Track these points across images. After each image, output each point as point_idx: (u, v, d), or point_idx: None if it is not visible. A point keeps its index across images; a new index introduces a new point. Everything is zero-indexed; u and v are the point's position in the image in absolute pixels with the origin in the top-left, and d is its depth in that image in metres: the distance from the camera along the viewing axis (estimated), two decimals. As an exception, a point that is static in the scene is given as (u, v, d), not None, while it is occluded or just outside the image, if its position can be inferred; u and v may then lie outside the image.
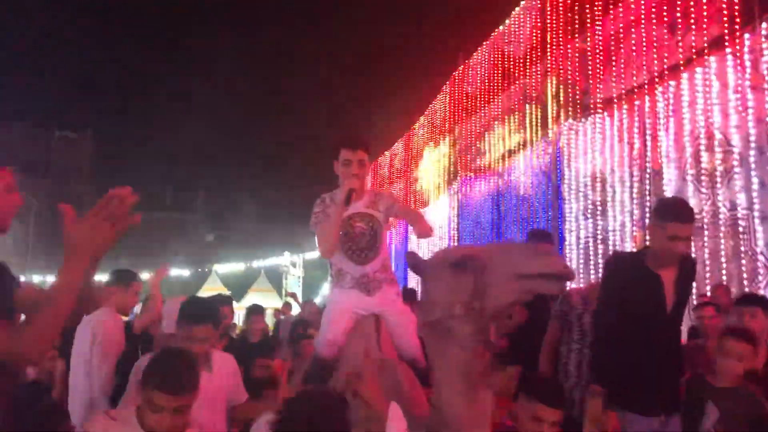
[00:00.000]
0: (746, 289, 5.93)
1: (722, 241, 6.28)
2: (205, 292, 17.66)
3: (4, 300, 1.88)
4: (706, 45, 6.68)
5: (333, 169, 3.28)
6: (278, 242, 27.58)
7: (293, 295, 11.71)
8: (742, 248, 6.07)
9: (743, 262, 6.05)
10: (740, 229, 6.11)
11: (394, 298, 3.29)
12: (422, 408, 2.60)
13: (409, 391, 2.80)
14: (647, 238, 3.77)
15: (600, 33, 8.52)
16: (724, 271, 6.21)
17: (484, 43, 12.58)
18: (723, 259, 6.26)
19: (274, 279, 24.92)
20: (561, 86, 9.53)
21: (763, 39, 5.99)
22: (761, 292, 5.80)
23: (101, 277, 4.47)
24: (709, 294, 5.80)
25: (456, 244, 13.86)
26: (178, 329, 2.89)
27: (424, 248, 15.58)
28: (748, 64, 6.13)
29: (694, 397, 3.08)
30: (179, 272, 24.82)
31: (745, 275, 6.03)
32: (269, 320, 13.88)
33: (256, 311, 5.63)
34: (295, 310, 11.86)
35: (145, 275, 7.22)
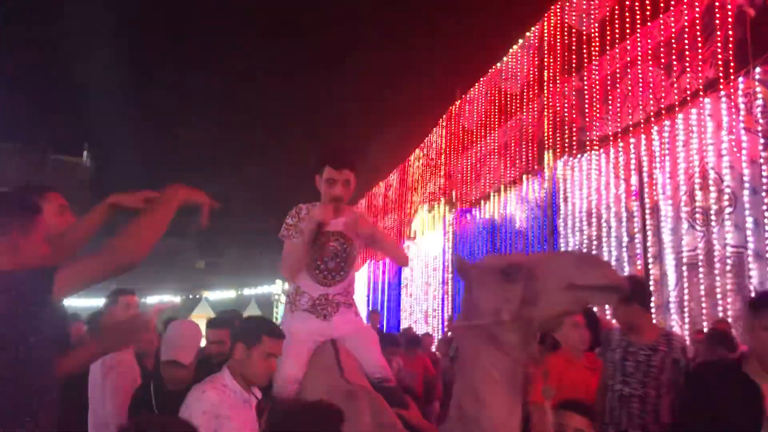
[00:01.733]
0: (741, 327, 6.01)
1: (717, 278, 6.39)
2: (194, 319, 17.56)
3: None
4: (701, 87, 6.88)
5: (315, 183, 3.04)
6: (270, 270, 27.50)
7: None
8: (737, 286, 6.18)
9: (737, 298, 6.16)
10: (734, 267, 6.23)
11: (352, 318, 3.07)
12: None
13: (390, 419, 2.59)
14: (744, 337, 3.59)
15: (597, 72, 8.74)
16: (719, 308, 6.30)
17: (482, 78, 12.83)
18: (719, 296, 6.36)
19: (265, 307, 24.85)
20: (557, 123, 9.73)
21: (756, 83, 6.18)
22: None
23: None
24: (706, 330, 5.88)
25: (449, 275, 13.92)
26: (255, 346, 2.56)
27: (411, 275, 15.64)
28: (741, 106, 6.31)
29: None
30: (169, 299, 24.65)
31: (740, 312, 6.12)
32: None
33: None
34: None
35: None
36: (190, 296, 24.96)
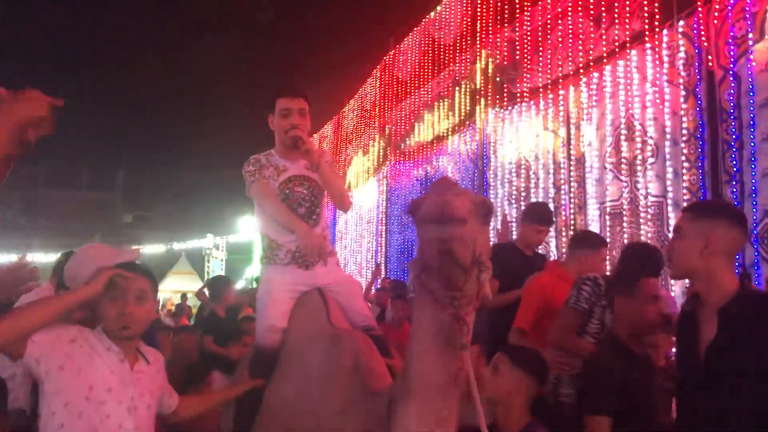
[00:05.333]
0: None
1: (639, 226, 6.61)
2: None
3: None
4: (627, 39, 6.96)
5: (268, 125, 2.91)
6: (201, 224, 26.94)
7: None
8: (657, 233, 6.42)
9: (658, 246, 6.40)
10: (654, 215, 6.45)
11: (334, 268, 2.99)
12: (383, 380, 2.38)
13: (369, 363, 2.47)
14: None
15: (528, 23, 8.73)
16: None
17: (415, 28, 12.65)
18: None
19: (196, 262, 24.37)
20: (489, 74, 9.72)
21: (680, 36, 6.30)
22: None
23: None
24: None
25: (383, 228, 13.97)
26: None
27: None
28: (665, 59, 6.43)
29: None
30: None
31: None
32: (192, 302, 13.60)
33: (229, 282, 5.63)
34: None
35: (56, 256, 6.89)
36: (118, 251, 24.16)
